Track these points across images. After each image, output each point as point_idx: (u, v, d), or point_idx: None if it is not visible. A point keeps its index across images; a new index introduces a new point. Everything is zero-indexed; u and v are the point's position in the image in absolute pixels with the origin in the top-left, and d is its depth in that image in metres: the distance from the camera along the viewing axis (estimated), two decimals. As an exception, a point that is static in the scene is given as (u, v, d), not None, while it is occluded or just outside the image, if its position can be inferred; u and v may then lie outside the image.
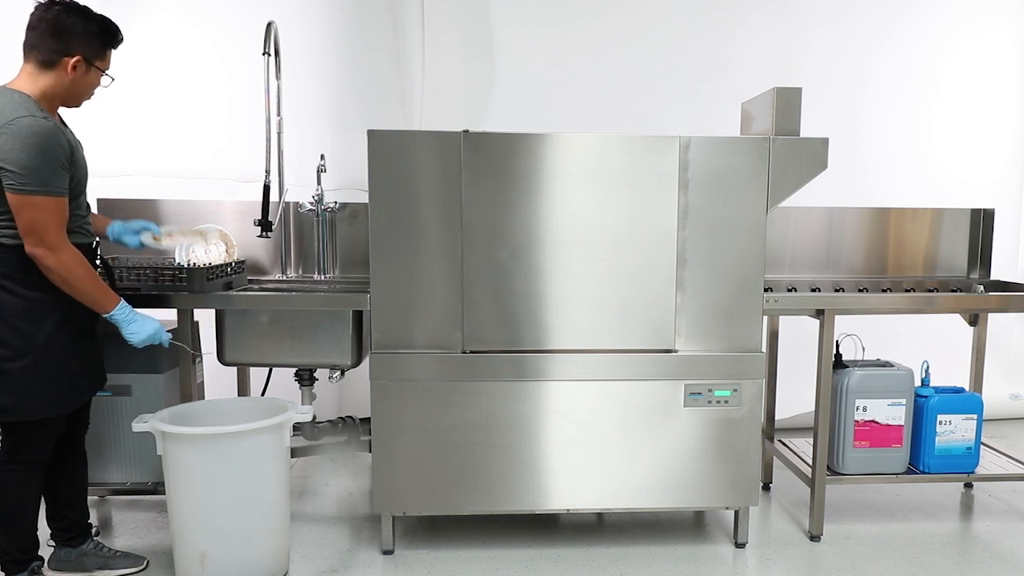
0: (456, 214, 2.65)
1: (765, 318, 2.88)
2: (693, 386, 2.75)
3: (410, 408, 2.72)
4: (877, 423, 2.97)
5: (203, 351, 3.03)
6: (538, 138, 2.64)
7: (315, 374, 3.07)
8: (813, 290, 3.39)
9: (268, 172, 3.07)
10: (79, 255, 2.24)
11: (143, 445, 2.82)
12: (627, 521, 3.13)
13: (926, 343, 3.66)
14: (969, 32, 4.36)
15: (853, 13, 4.28)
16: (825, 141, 2.74)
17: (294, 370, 3.04)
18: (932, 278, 3.54)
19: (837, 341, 2.93)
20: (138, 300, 2.75)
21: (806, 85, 2.82)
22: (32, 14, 2.22)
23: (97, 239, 2.53)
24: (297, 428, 2.96)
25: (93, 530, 2.70)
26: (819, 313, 2.87)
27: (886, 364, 3.06)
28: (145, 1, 3.75)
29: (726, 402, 2.76)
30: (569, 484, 2.78)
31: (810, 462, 3.00)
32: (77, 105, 2.40)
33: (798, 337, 3.49)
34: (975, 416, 3.01)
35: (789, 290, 3.35)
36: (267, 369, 3.23)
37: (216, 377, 3.27)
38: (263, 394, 3.22)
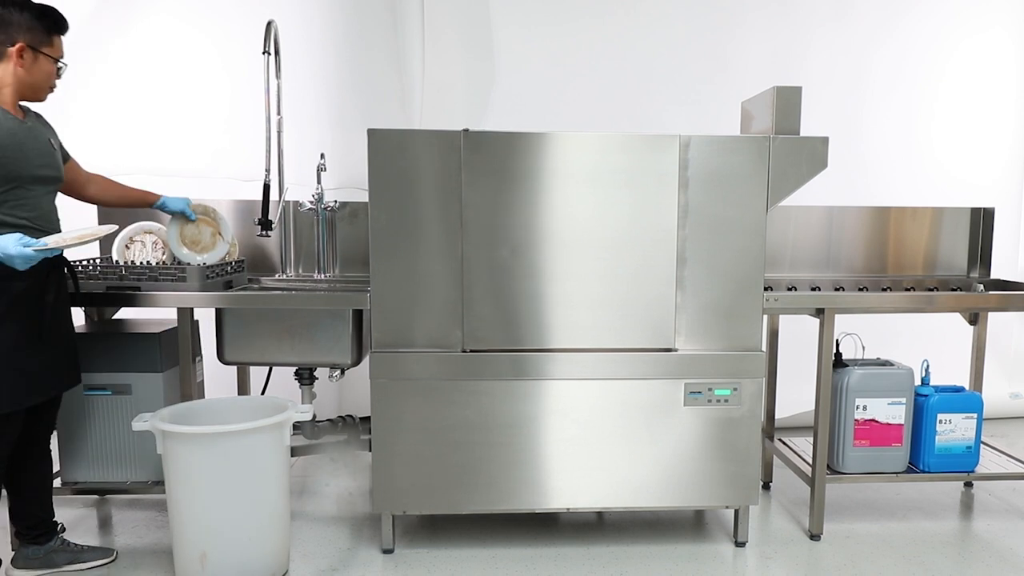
0: (456, 213, 2.65)
1: (765, 317, 2.88)
2: (693, 385, 2.75)
3: (410, 407, 2.72)
4: (877, 422, 2.97)
5: (203, 351, 3.03)
6: (538, 137, 2.64)
7: (315, 373, 3.07)
8: (813, 289, 3.39)
9: (268, 171, 3.07)
10: None
11: (143, 444, 2.82)
12: (627, 520, 3.13)
13: (926, 342, 3.66)
14: (969, 32, 4.36)
15: (853, 13, 4.28)
16: (825, 140, 2.74)
17: (294, 369, 3.05)
18: (932, 277, 3.54)
19: (837, 340, 2.93)
20: (138, 299, 2.76)
21: (806, 85, 2.82)
22: None
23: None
24: (297, 427, 2.97)
25: (59, 527, 2.70)
26: (819, 312, 2.87)
27: (886, 363, 3.06)
28: (145, 1, 3.76)
29: (726, 401, 2.76)
30: (569, 483, 2.78)
31: (810, 461, 3.00)
32: (40, 97, 2.42)
33: (798, 336, 3.49)
34: (975, 415, 3.01)
35: (789, 289, 3.35)
36: (267, 368, 3.23)
37: (216, 376, 3.27)
38: (263, 393, 3.22)
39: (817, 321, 2.89)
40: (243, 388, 3.55)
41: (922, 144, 4.38)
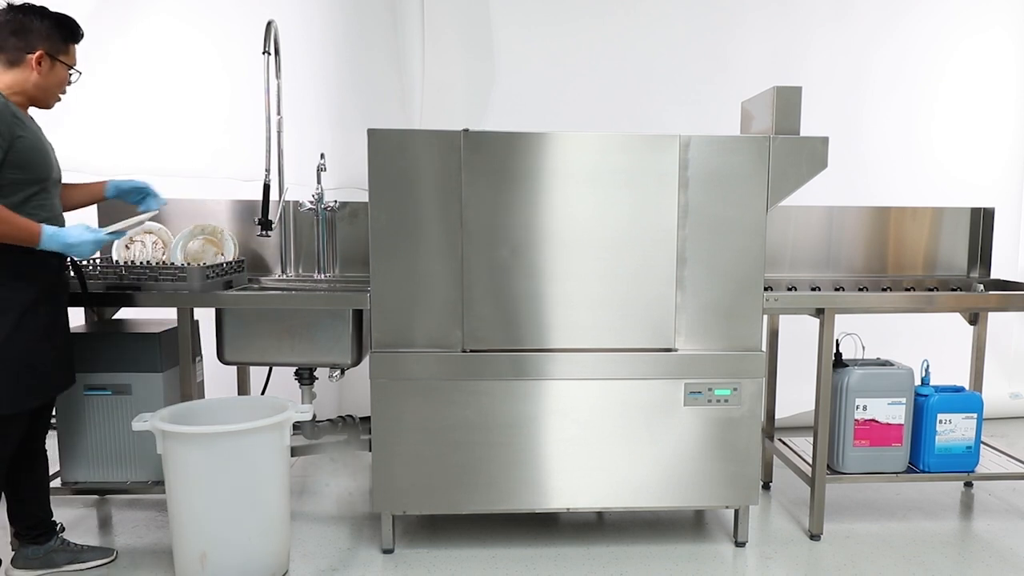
0: (456, 213, 2.65)
1: (765, 317, 2.88)
2: (693, 385, 2.75)
3: (410, 407, 2.72)
4: (877, 422, 2.97)
5: (203, 351, 3.04)
6: (538, 137, 2.64)
7: (315, 373, 3.07)
8: (813, 289, 3.39)
9: (268, 171, 3.07)
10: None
11: (143, 444, 2.82)
12: (627, 520, 3.13)
13: (926, 342, 3.66)
14: (969, 32, 4.36)
15: (853, 13, 4.28)
16: (825, 140, 2.74)
17: (294, 369, 3.05)
18: (932, 277, 3.54)
19: (837, 340, 2.93)
20: (138, 299, 2.76)
21: (806, 85, 2.82)
22: None
23: None
24: (297, 427, 2.97)
25: (58, 526, 2.70)
26: (819, 312, 2.87)
27: (886, 363, 3.06)
28: (145, 1, 3.76)
29: (726, 401, 2.76)
30: (569, 483, 2.78)
31: (810, 461, 3.00)
32: (48, 105, 2.45)
33: (798, 336, 3.49)
34: (975, 415, 3.01)
35: (789, 289, 3.35)
36: (267, 368, 3.23)
37: (216, 376, 3.27)
38: (263, 393, 3.22)
39: (817, 321, 2.89)
40: (243, 388, 3.55)
41: (922, 144, 4.38)
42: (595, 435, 2.76)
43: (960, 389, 3.09)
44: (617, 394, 2.74)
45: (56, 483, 2.88)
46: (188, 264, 2.92)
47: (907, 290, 3.41)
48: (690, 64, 4.20)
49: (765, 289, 2.78)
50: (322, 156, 3.41)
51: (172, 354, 2.89)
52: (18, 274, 2.30)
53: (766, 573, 2.75)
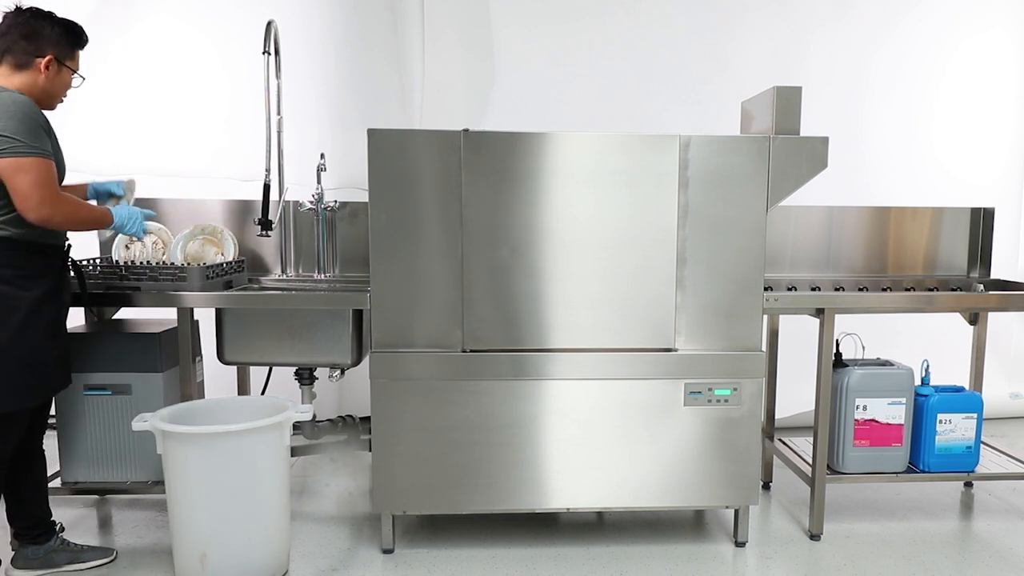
0: (456, 213, 2.65)
1: (765, 317, 2.88)
2: (693, 385, 2.75)
3: (410, 407, 2.72)
4: (877, 422, 2.97)
5: (203, 351, 3.03)
6: (538, 137, 2.64)
7: (315, 373, 3.07)
8: (813, 289, 3.39)
9: (268, 171, 3.07)
10: (71, 199, 2.36)
11: (143, 444, 2.82)
12: (627, 520, 3.13)
13: (926, 342, 3.66)
14: (969, 32, 4.36)
15: (853, 13, 4.28)
16: (825, 140, 2.74)
17: (294, 369, 3.05)
18: (932, 277, 3.54)
19: (837, 340, 2.93)
20: (138, 299, 2.76)
21: (806, 85, 2.82)
22: (2, 22, 2.34)
23: (69, 242, 2.55)
24: (297, 427, 2.97)
25: (58, 526, 2.70)
26: (819, 312, 2.87)
27: (886, 363, 3.06)
28: (145, 1, 3.76)
29: (726, 401, 2.76)
30: (569, 483, 2.78)
31: (810, 461, 3.00)
32: (51, 107, 2.46)
33: (798, 336, 3.49)
34: (975, 415, 3.01)
35: (789, 289, 3.35)
36: (267, 368, 3.23)
37: (216, 376, 3.27)
38: (263, 393, 3.22)
39: (817, 321, 2.89)
40: (243, 388, 3.55)
41: (922, 144, 4.37)
42: (595, 435, 2.76)
43: (960, 389, 3.09)
44: (617, 394, 2.74)
45: (56, 483, 2.88)
46: (188, 264, 2.92)
47: (907, 290, 3.41)
48: (690, 64, 4.20)
49: (765, 289, 2.78)
50: (322, 156, 3.41)
51: (172, 354, 2.89)
52: (27, 274, 2.31)
53: (766, 573, 2.75)
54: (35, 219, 2.24)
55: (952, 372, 3.41)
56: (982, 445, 3.18)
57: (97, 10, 3.60)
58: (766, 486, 3.53)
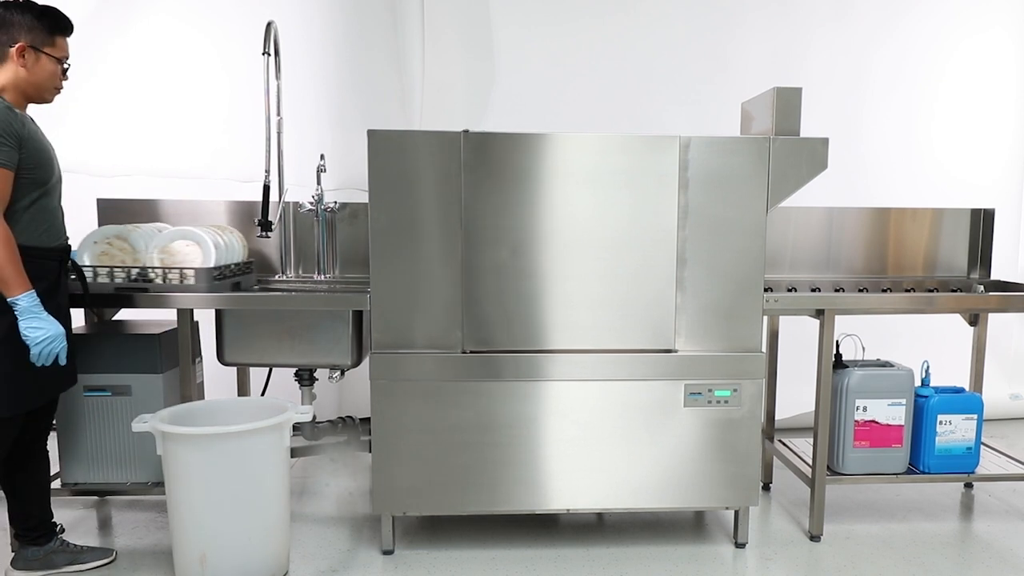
0: (456, 214, 2.65)
1: (765, 318, 2.88)
2: (693, 386, 2.75)
3: (410, 408, 2.72)
4: (877, 423, 2.97)
5: (202, 352, 3.03)
6: (538, 138, 2.64)
7: (315, 374, 3.06)
8: (813, 290, 3.39)
9: (268, 172, 3.07)
10: (7, 235, 2.22)
11: (143, 445, 2.82)
12: (627, 521, 3.12)
13: (926, 343, 3.66)
14: (969, 32, 4.36)
15: (853, 13, 4.28)
16: (825, 141, 2.74)
17: (294, 370, 3.04)
18: (932, 278, 3.54)
19: (837, 341, 2.93)
20: (138, 300, 2.76)
21: (806, 85, 2.82)
22: None
23: (67, 244, 2.53)
24: (297, 428, 2.96)
25: (58, 528, 2.70)
26: (819, 313, 2.87)
27: (886, 364, 3.06)
28: (145, 1, 3.75)
29: (726, 402, 2.76)
30: (569, 484, 2.78)
31: (810, 462, 3.00)
32: (44, 99, 2.44)
33: (798, 337, 3.49)
34: (975, 416, 3.01)
35: (789, 290, 3.35)
36: (267, 369, 3.23)
37: (216, 377, 3.27)
38: (263, 394, 3.22)
39: (817, 322, 2.89)
40: (243, 389, 3.54)
41: (922, 144, 4.37)
42: (595, 436, 2.76)
43: (960, 390, 3.09)
44: (617, 395, 2.74)
45: (56, 484, 2.87)
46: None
47: (907, 291, 3.41)
48: (690, 64, 4.19)
49: (765, 290, 2.78)
50: (322, 157, 3.41)
51: (172, 355, 2.88)
52: None
53: (766, 574, 2.75)
54: None
55: (952, 373, 3.41)
56: (982, 446, 3.18)
57: (97, 10, 3.60)
58: (766, 487, 3.53)
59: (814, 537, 2.97)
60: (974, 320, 3.38)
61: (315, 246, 3.43)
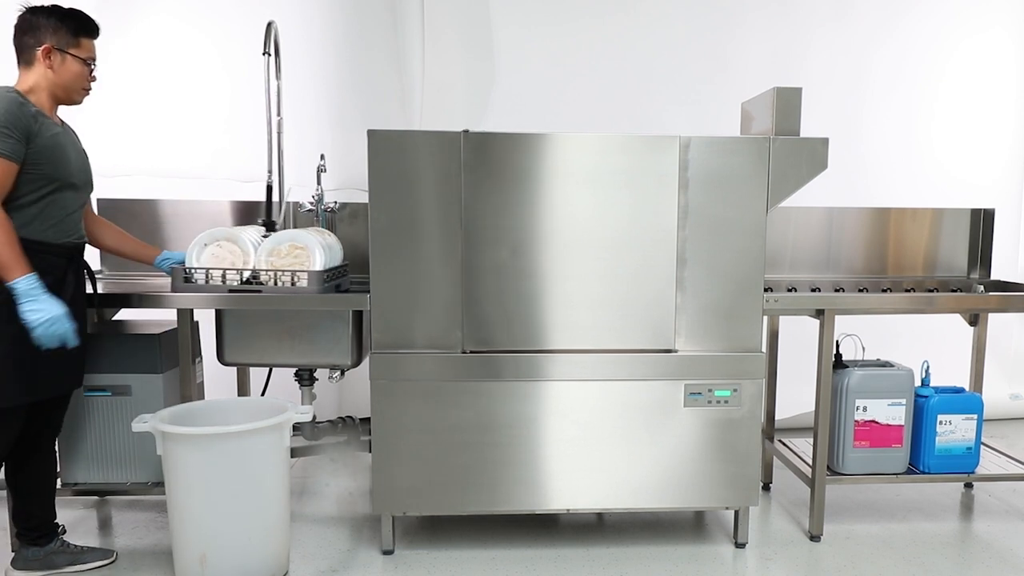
0: (456, 214, 2.65)
1: (765, 318, 2.88)
2: (693, 386, 2.75)
3: (410, 408, 2.72)
4: (877, 423, 2.97)
5: (203, 352, 3.03)
6: (538, 138, 2.64)
7: (315, 374, 3.06)
8: (813, 290, 3.39)
9: (270, 172, 3.07)
10: (5, 220, 2.23)
11: (143, 445, 2.81)
12: (627, 521, 3.13)
13: (926, 343, 3.65)
14: (969, 32, 4.36)
15: (853, 13, 4.28)
16: (825, 141, 2.74)
17: (294, 370, 3.04)
18: (932, 278, 3.54)
19: (837, 341, 2.93)
20: (138, 300, 2.76)
21: (806, 85, 2.82)
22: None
23: (84, 240, 2.54)
24: (297, 428, 2.96)
25: (59, 528, 2.70)
26: (819, 313, 2.87)
27: (886, 364, 3.06)
28: (145, 1, 3.75)
29: (726, 402, 2.76)
30: (569, 484, 2.78)
31: (810, 462, 3.00)
32: (73, 100, 2.49)
33: (798, 337, 3.49)
34: (975, 416, 3.01)
35: (789, 290, 3.35)
36: (267, 369, 3.23)
37: (216, 377, 3.26)
38: (263, 394, 3.22)
39: (817, 322, 2.89)
40: (243, 389, 3.54)
41: (922, 144, 4.37)
42: (595, 436, 2.76)
43: (960, 390, 3.09)
44: (617, 395, 2.74)
45: (56, 484, 2.87)
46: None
47: (907, 291, 3.41)
48: (690, 64, 4.19)
49: (765, 290, 2.78)
50: (322, 157, 3.40)
51: (172, 355, 2.88)
52: None
53: (766, 574, 2.75)
54: None
55: (952, 373, 3.41)
56: (982, 446, 3.18)
57: (97, 10, 3.54)
58: (766, 487, 3.53)
59: (814, 537, 2.97)
60: (974, 320, 3.38)
61: (315, 246, 3.43)
